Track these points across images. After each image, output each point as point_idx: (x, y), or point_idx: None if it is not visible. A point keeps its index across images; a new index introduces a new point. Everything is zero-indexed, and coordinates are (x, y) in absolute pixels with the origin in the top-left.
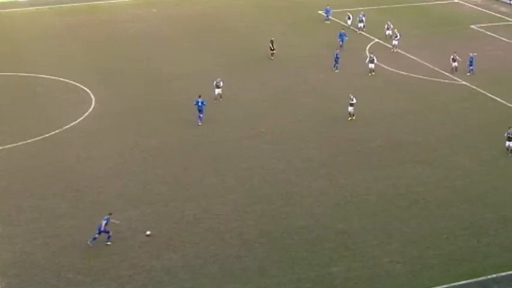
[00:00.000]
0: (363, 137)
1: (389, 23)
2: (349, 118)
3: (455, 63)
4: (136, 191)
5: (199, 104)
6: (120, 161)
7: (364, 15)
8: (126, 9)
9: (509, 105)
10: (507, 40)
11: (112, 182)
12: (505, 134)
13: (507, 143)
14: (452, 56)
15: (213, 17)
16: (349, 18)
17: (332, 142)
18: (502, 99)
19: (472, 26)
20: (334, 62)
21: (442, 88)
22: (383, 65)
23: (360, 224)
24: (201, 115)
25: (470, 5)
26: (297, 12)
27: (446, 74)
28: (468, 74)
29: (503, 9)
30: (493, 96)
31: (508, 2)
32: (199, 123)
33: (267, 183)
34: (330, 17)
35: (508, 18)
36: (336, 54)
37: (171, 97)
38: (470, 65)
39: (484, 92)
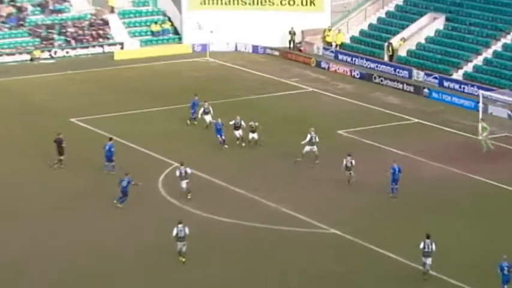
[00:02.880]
0: None
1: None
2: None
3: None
4: None
5: None
6: None
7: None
8: None
9: (404, 261)
10: (389, 148)
11: None
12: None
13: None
14: (345, 162)
15: None
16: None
17: None
18: (392, 252)
19: (340, 132)
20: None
21: (302, 242)
22: (193, 209)
23: None
24: None
25: (333, 95)
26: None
27: (307, 219)
28: (391, 195)
29: (391, 98)
30: (377, 249)
31: (401, 87)
32: None
33: None
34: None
35: (400, 115)
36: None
37: None
38: (395, 182)
39: (365, 243)
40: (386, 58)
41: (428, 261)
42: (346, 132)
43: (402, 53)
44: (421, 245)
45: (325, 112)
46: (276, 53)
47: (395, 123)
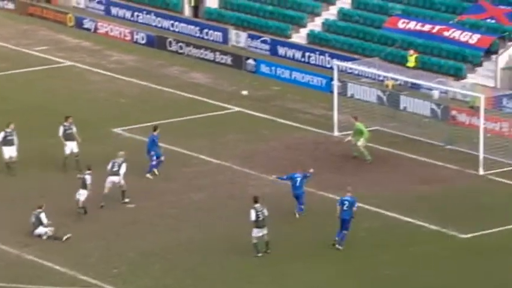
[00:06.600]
0: None
1: None
2: None
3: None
4: None
5: None
6: None
7: None
8: None
9: None
10: (196, 155)
11: None
12: None
13: None
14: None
15: None
16: None
17: None
18: None
19: (117, 130)
20: None
21: None
22: None
23: None
24: None
25: (105, 72)
26: None
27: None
28: (297, 214)
29: (197, 75)
30: None
31: (211, 57)
32: None
33: None
34: None
35: (212, 102)
36: None
37: None
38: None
39: None
40: (187, 12)
41: (265, 231)
42: (125, 131)
43: (212, 3)
44: (253, 216)
45: (91, 99)
46: (10, 6)
47: (203, 114)
